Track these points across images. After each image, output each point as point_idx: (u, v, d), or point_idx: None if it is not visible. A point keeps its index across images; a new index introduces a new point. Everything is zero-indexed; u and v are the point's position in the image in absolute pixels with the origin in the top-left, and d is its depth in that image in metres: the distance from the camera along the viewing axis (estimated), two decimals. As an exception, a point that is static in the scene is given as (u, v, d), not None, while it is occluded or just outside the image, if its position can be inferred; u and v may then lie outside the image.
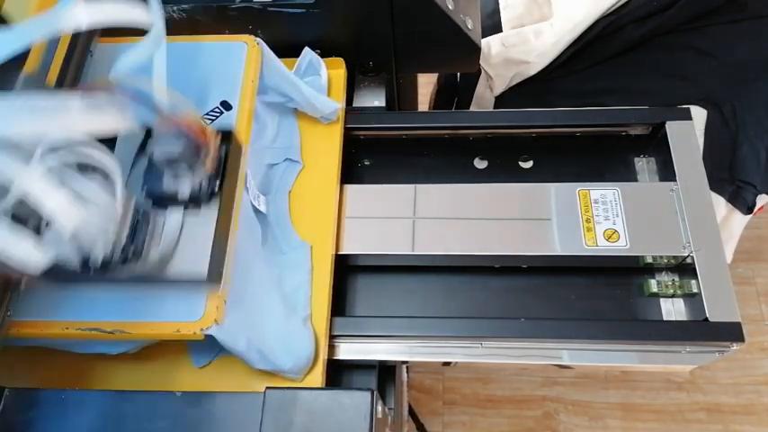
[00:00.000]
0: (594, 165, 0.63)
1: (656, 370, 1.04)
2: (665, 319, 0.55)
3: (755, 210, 0.77)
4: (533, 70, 0.83)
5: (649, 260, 0.55)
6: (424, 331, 0.52)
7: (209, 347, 0.49)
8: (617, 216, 0.55)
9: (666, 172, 0.59)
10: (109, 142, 0.38)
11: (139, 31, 0.39)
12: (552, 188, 0.58)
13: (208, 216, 0.43)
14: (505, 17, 0.87)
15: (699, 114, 0.76)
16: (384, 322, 0.53)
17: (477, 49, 0.62)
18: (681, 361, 0.52)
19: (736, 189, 0.75)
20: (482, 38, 0.70)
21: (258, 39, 0.53)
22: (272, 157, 0.57)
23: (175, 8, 0.57)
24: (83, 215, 0.34)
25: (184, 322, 0.42)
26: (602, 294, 0.57)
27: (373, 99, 0.66)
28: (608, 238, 0.54)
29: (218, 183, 0.42)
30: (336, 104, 0.58)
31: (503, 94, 0.87)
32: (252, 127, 0.53)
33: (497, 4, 0.88)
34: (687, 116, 0.59)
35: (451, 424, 1.18)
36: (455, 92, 0.97)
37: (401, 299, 0.58)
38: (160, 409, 0.43)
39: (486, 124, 0.63)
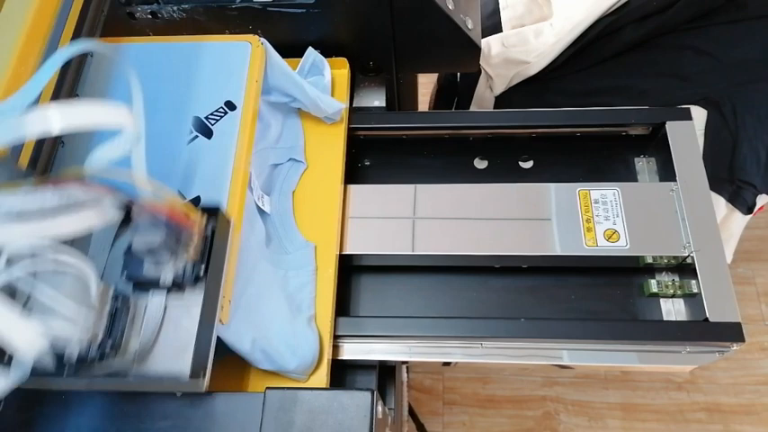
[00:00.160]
0: (594, 165, 0.63)
1: (656, 370, 1.04)
2: (665, 319, 0.55)
3: (755, 210, 0.77)
4: (533, 70, 0.83)
5: (649, 260, 0.55)
6: (424, 331, 0.52)
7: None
8: (617, 216, 0.55)
9: (666, 172, 0.59)
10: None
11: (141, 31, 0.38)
12: (552, 188, 0.58)
13: (193, 300, 0.40)
14: (505, 17, 0.87)
15: (699, 114, 0.76)
16: (384, 322, 0.53)
17: (477, 49, 0.62)
18: (681, 361, 0.52)
19: (736, 189, 0.75)
20: (482, 38, 0.70)
21: (262, 39, 0.53)
22: (276, 158, 0.57)
23: (175, 8, 0.57)
24: (42, 342, 0.31)
25: None
26: (603, 294, 0.57)
27: (373, 99, 0.66)
28: (608, 239, 0.54)
29: (203, 267, 0.40)
30: (340, 104, 0.58)
31: (503, 94, 0.87)
32: (256, 127, 0.53)
33: (497, 4, 0.88)
34: (687, 116, 0.59)
35: (451, 424, 1.18)
36: (455, 92, 0.97)
37: (401, 299, 0.58)
38: (160, 409, 0.42)
39: (486, 124, 0.63)
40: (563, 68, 0.83)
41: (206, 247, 0.40)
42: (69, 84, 0.47)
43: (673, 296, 0.55)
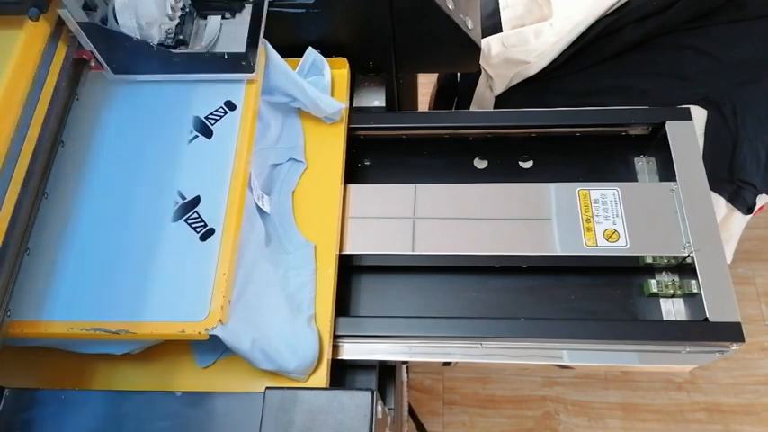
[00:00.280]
0: (594, 165, 0.63)
1: (656, 370, 1.04)
2: (665, 319, 0.55)
3: (755, 210, 0.77)
4: (533, 70, 0.83)
5: (649, 260, 0.55)
6: (424, 331, 0.52)
7: (214, 347, 0.49)
8: (617, 216, 0.55)
9: (666, 172, 0.59)
10: None
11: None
12: (552, 188, 0.58)
13: (241, 23, 0.51)
14: (505, 17, 0.87)
15: (699, 114, 0.76)
16: (384, 322, 0.53)
17: (477, 49, 0.62)
18: (681, 361, 0.52)
19: (736, 189, 0.75)
20: (482, 38, 0.70)
21: (263, 39, 0.53)
22: (276, 158, 0.57)
23: (175, 8, 0.57)
24: None
25: (189, 322, 0.42)
26: (602, 294, 0.57)
27: (373, 99, 0.66)
28: (608, 238, 0.54)
29: None
30: (340, 104, 0.58)
31: (503, 94, 0.87)
32: (256, 127, 0.53)
33: (497, 4, 0.89)
34: (687, 116, 0.59)
35: (451, 424, 1.18)
36: (455, 92, 0.97)
37: (401, 299, 0.58)
38: (160, 409, 0.42)
39: (486, 124, 0.63)
40: (563, 68, 0.83)
41: None
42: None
43: (673, 296, 0.55)
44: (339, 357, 0.53)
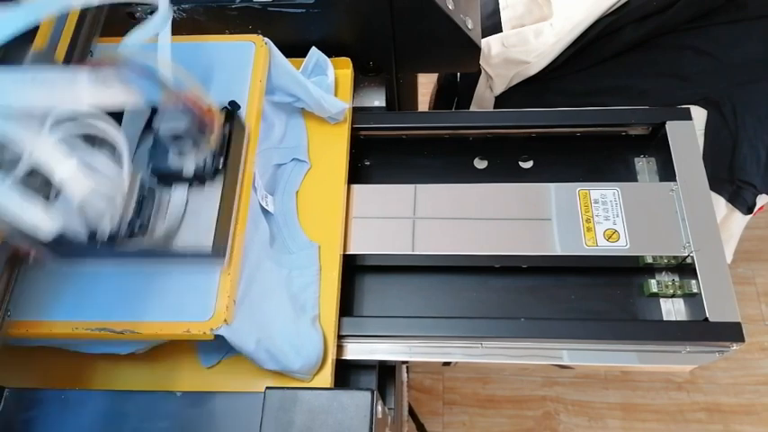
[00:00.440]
0: (594, 165, 0.63)
1: (656, 370, 1.04)
2: (665, 319, 0.55)
3: (755, 210, 0.77)
4: (533, 70, 0.83)
5: (649, 260, 0.55)
6: (425, 331, 0.52)
7: (219, 347, 0.49)
8: (617, 216, 0.55)
9: (666, 172, 0.59)
10: (115, 120, 0.39)
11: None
12: (552, 188, 0.58)
13: (212, 193, 0.44)
14: (505, 17, 0.87)
15: (699, 114, 0.76)
16: (385, 322, 0.53)
17: (477, 49, 0.62)
18: (681, 361, 0.52)
19: (736, 189, 0.75)
20: (482, 38, 0.70)
21: (266, 38, 0.53)
22: (280, 158, 0.57)
23: (175, 8, 0.57)
24: (91, 184, 0.35)
25: (194, 322, 0.42)
26: (603, 294, 0.57)
27: (373, 99, 0.66)
28: (608, 238, 0.54)
29: (221, 160, 0.43)
30: (344, 104, 0.58)
31: (503, 94, 0.87)
32: (260, 127, 0.53)
33: (497, 4, 0.88)
34: (687, 116, 0.59)
35: (451, 424, 1.18)
36: (455, 92, 0.97)
37: (401, 299, 0.58)
38: (160, 410, 0.43)
39: (486, 124, 0.63)
40: (563, 68, 0.83)
41: (224, 142, 0.44)
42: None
43: (673, 296, 0.55)
44: (341, 357, 0.53)
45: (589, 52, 0.81)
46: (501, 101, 0.88)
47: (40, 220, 0.34)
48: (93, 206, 0.37)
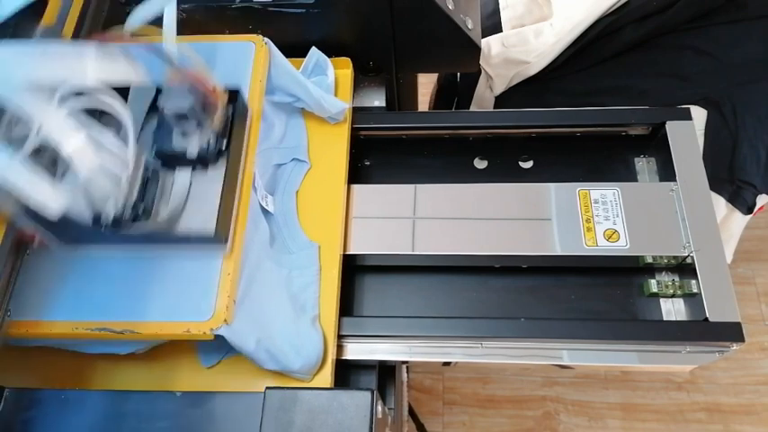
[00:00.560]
0: (594, 165, 0.63)
1: (656, 370, 1.04)
2: (665, 319, 0.55)
3: (755, 210, 0.77)
4: (533, 70, 0.83)
5: (649, 260, 0.55)
6: (425, 331, 0.52)
7: (218, 347, 0.49)
8: (617, 216, 0.55)
9: (666, 172, 0.59)
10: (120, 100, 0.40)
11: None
12: (552, 188, 0.58)
13: (215, 176, 0.44)
14: (505, 17, 0.87)
15: (699, 114, 0.76)
16: (386, 322, 0.53)
17: (477, 49, 0.62)
18: (681, 361, 0.52)
19: (736, 189, 0.75)
20: (482, 38, 0.70)
21: (266, 39, 0.53)
22: (280, 157, 0.57)
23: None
24: (98, 159, 0.35)
25: (194, 322, 0.42)
26: (603, 294, 0.57)
27: (373, 99, 0.66)
28: (608, 238, 0.54)
29: (225, 142, 0.43)
30: (344, 104, 0.58)
31: (503, 94, 0.87)
32: (260, 127, 0.53)
33: (497, 4, 0.88)
34: (687, 116, 0.59)
35: (451, 424, 1.18)
36: (455, 92, 0.97)
37: (401, 299, 0.58)
38: (160, 409, 0.43)
39: (486, 124, 0.63)
40: (563, 68, 0.83)
41: (227, 124, 0.44)
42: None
43: (673, 296, 0.55)
44: (341, 357, 0.53)
45: (589, 52, 0.81)
46: (501, 101, 0.88)
47: (48, 196, 0.34)
48: (98, 185, 0.38)
